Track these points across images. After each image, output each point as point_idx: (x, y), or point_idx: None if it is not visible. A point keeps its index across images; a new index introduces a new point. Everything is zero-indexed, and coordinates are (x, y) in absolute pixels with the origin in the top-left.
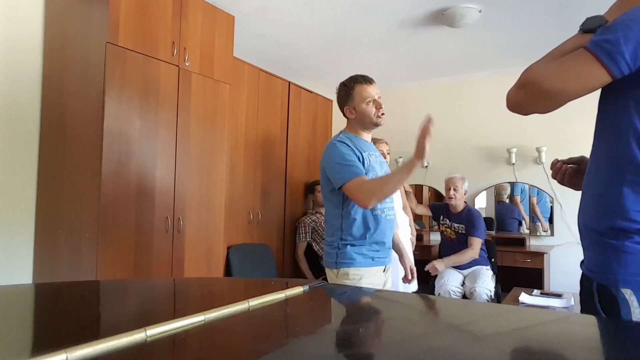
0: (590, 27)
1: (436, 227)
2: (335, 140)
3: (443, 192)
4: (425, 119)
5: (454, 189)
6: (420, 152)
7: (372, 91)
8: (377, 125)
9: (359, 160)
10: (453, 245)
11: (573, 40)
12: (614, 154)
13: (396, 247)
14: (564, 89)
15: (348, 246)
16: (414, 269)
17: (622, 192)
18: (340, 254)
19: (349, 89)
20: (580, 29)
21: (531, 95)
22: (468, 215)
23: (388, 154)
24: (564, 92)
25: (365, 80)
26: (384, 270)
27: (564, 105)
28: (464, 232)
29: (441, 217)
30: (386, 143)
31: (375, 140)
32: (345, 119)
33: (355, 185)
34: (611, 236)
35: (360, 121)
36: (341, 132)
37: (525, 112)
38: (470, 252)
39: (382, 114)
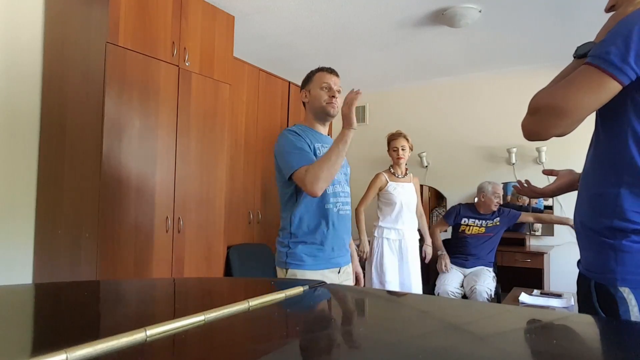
0: (583, 52)
1: None
2: (286, 130)
3: (443, 192)
4: (352, 91)
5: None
6: (346, 120)
7: (330, 79)
8: (326, 112)
9: (310, 149)
10: (480, 239)
11: (570, 66)
12: (612, 155)
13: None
14: (577, 104)
15: (299, 245)
16: (360, 276)
17: (620, 193)
18: (290, 254)
19: (312, 74)
20: (574, 57)
21: (547, 118)
22: (501, 211)
23: (403, 150)
24: (578, 107)
25: (329, 70)
26: (339, 272)
27: (580, 123)
28: (498, 223)
29: (463, 220)
30: (405, 138)
31: (396, 135)
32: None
33: (303, 173)
34: (608, 235)
35: (311, 106)
36: (295, 124)
37: (544, 136)
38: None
39: (333, 102)
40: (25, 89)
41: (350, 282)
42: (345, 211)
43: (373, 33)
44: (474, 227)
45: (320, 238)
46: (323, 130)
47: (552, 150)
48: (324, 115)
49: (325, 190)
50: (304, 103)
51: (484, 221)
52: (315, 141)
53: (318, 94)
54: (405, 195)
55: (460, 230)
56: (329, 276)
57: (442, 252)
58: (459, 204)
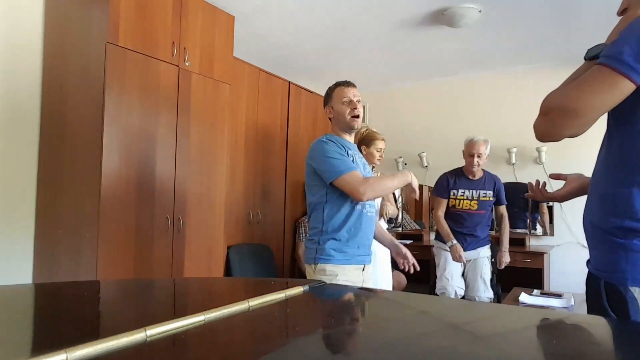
0: (594, 53)
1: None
2: (321, 139)
3: None
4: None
5: (478, 156)
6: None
7: (349, 93)
8: (350, 126)
9: (347, 156)
10: (473, 218)
11: (582, 68)
12: (624, 155)
13: (388, 244)
14: (590, 105)
15: (328, 241)
16: (409, 255)
17: (632, 193)
18: (320, 250)
19: (331, 91)
20: (585, 58)
21: (559, 119)
22: (494, 180)
23: (378, 151)
24: (591, 108)
25: (346, 83)
26: (363, 270)
27: (593, 123)
28: (491, 198)
29: (452, 193)
30: (383, 140)
31: (379, 135)
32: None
33: (353, 178)
34: (619, 235)
35: (337, 121)
36: (325, 134)
37: (556, 137)
38: (507, 222)
39: (356, 115)
40: (25, 89)
41: (371, 282)
42: (372, 213)
43: (373, 33)
44: (465, 201)
45: (348, 235)
46: (350, 139)
47: (552, 151)
48: (349, 129)
49: None
50: (330, 119)
51: (474, 191)
52: (348, 148)
53: (341, 109)
54: None
55: (450, 205)
56: (354, 272)
57: (453, 242)
58: (445, 174)
